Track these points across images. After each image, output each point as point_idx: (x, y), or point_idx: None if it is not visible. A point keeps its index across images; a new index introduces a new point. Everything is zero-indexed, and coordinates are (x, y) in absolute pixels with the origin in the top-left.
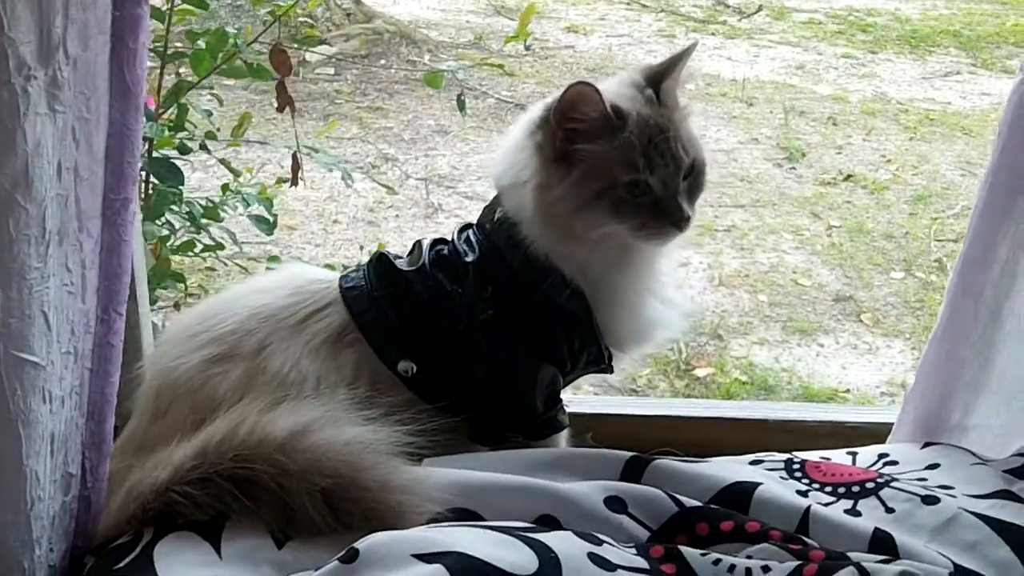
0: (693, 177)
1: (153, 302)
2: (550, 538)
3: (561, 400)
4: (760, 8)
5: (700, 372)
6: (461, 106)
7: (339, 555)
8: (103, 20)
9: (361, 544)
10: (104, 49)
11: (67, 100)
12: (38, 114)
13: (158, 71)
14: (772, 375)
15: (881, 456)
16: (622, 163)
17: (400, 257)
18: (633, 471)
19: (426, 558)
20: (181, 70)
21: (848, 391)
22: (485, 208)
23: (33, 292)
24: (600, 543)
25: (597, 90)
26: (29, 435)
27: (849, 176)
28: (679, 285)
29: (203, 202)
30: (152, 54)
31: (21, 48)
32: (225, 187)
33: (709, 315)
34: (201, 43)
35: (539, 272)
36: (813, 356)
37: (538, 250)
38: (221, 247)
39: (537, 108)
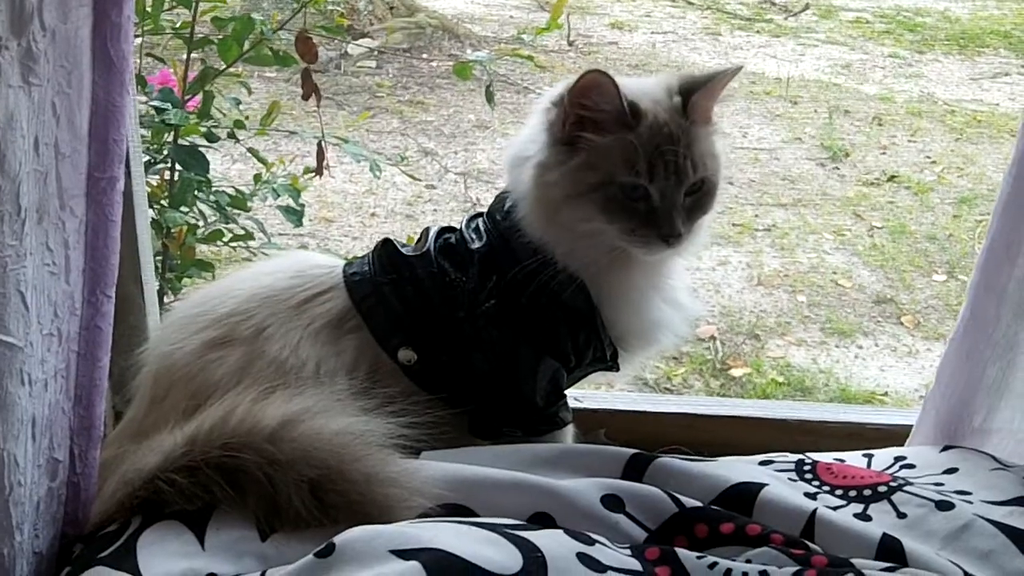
0: (698, 196)
1: (178, 290)
2: (538, 536)
3: (564, 396)
4: (807, 6)
5: (736, 372)
6: (489, 98)
7: (316, 549)
8: None
9: (339, 538)
10: (86, 22)
11: (44, 73)
12: (11, 86)
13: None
14: (809, 376)
15: (898, 459)
16: (623, 162)
17: (407, 245)
18: (635, 469)
19: (403, 554)
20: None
21: (886, 394)
22: (496, 197)
23: (8, 271)
24: (592, 543)
25: (615, 83)
26: (6, 418)
27: (893, 177)
28: (690, 288)
29: (231, 191)
30: (179, 40)
31: None
32: (257, 177)
33: (747, 315)
34: (228, 29)
35: (540, 262)
36: (851, 358)
37: (529, 231)
38: (250, 237)
39: (557, 88)
